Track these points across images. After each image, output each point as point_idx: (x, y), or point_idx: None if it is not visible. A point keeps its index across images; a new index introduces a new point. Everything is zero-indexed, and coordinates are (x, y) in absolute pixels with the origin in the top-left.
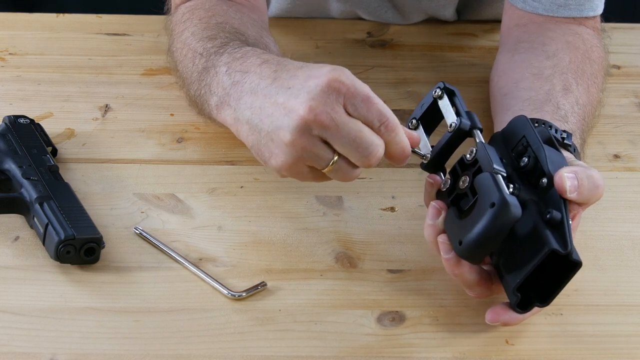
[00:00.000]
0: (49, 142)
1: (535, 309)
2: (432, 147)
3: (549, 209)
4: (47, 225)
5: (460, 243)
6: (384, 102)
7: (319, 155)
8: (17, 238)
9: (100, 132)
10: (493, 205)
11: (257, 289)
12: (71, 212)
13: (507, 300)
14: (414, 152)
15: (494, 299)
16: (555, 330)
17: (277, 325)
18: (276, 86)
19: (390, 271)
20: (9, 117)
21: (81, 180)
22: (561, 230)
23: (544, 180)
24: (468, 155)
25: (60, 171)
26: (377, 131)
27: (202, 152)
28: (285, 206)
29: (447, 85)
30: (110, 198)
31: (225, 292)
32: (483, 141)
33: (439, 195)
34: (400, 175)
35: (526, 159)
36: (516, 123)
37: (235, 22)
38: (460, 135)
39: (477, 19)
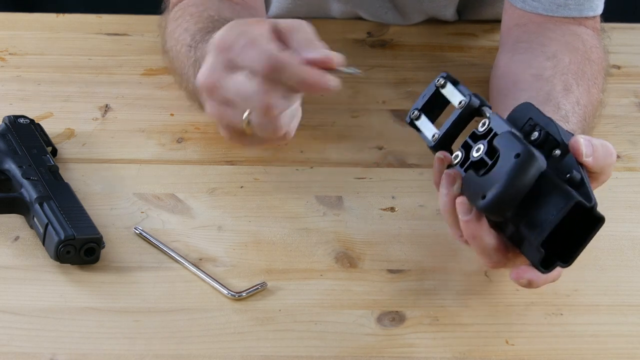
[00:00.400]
0: (49, 142)
1: (557, 271)
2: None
3: (567, 172)
4: (47, 225)
5: (484, 197)
6: (383, 102)
7: (228, 117)
8: (17, 238)
9: (100, 132)
10: (518, 155)
11: (257, 289)
12: (71, 212)
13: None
14: (339, 71)
15: (494, 298)
16: (555, 330)
17: (277, 325)
18: None
19: (390, 271)
20: (9, 117)
21: (81, 180)
22: (582, 188)
23: (557, 151)
24: (480, 127)
25: (60, 171)
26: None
27: (202, 152)
28: (285, 206)
29: (450, 75)
30: (110, 198)
31: (225, 292)
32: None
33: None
34: (400, 175)
35: (537, 133)
36: (521, 108)
37: (226, 13)
38: (470, 112)
39: (477, 19)
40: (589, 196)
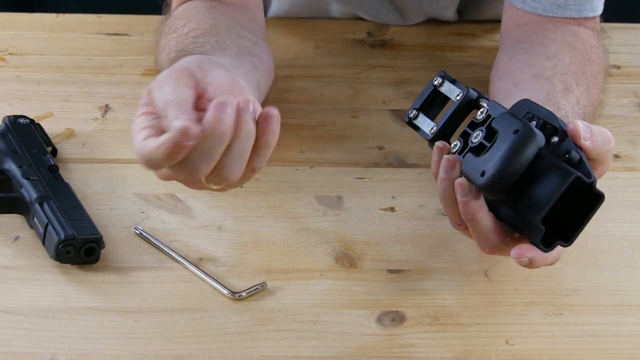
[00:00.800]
0: (49, 142)
1: (557, 252)
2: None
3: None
4: (47, 225)
5: (483, 174)
6: (383, 102)
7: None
8: (17, 238)
9: (100, 132)
10: (516, 131)
11: (257, 289)
12: (71, 212)
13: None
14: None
15: (494, 298)
16: (555, 330)
17: (277, 325)
18: None
19: (390, 271)
20: (9, 117)
21: (81, 180)
22: (581, 167)
23: (555, 138)
24: (479, 115)
25: (60, 171)
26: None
27: None
28: (285, 206)
29: (447, 74)
30: (110, 198)
31: (225, 292)
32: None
33: None
34: (400, 175)
35: (535, 122)
36: (520, 104)
37: (215, 19)
38: (467, 104)
39: (477, 19)
40: (588, 173)
